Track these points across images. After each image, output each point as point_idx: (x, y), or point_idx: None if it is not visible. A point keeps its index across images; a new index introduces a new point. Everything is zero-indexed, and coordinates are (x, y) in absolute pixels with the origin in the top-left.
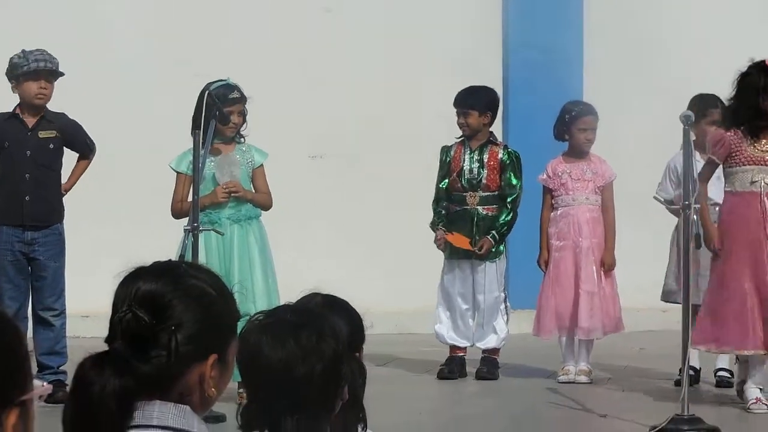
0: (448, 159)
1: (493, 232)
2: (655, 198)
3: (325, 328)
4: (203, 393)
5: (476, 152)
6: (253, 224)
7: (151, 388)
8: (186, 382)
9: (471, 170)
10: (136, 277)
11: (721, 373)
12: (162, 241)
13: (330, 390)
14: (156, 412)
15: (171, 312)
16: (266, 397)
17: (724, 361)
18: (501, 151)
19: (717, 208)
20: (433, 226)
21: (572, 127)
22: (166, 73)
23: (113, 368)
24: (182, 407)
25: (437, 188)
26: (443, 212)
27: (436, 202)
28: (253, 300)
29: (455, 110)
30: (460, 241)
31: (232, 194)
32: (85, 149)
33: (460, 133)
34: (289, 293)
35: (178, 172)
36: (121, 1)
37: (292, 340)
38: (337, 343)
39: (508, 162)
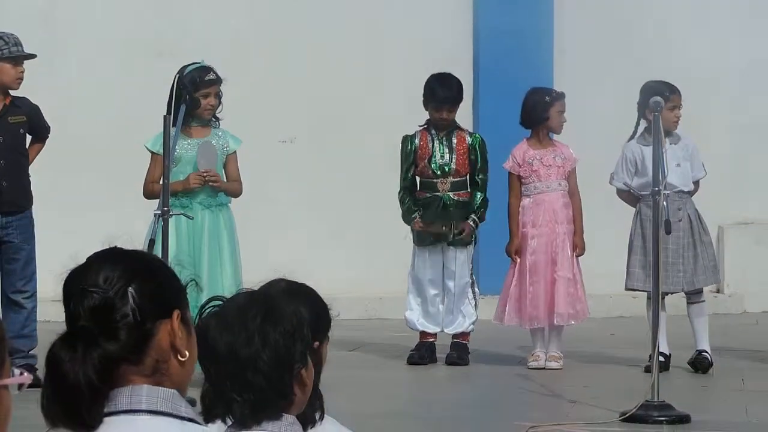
0: (414, 148)
1: (473, 216)
2: (622, 186)
3: (273, 312)
4: (177, 361)
5: (444, 138)
6: (224, 211)
7: (127, 353)
8: (159, 343)
9: (442, 156)
10: (77, 274)
11: (704, 354)
12: (132, 224)
13: (279, 374)
14: (144, 396)
15: (119, 276)
16: (218, 382)
17: (705, 342)
18: (468, 136)
19: (680, 196)
20: (408, 218)
21: (552, 109)
22: (132, 54)
23: (84, 344)
24: (170, 391)
25: (404, 178)
26: (414, 202)
27: (405, 192)
28: (222, 285)
29: (433, 105)
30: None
31: (210, 184)
32: (44, 133)
33: (425, 119)
34: (257, 278)
35: (153, 153)
36: None
37: (237, 323)
38: (287, 326)
39: (476, 147)
